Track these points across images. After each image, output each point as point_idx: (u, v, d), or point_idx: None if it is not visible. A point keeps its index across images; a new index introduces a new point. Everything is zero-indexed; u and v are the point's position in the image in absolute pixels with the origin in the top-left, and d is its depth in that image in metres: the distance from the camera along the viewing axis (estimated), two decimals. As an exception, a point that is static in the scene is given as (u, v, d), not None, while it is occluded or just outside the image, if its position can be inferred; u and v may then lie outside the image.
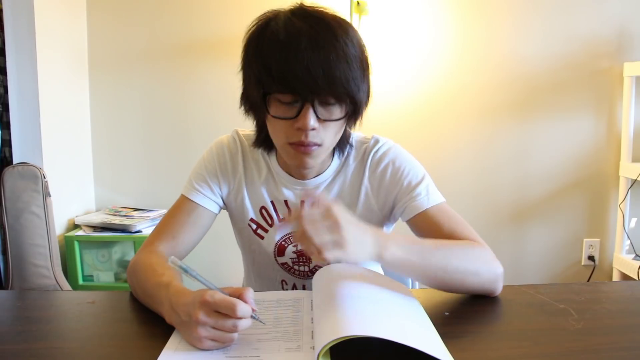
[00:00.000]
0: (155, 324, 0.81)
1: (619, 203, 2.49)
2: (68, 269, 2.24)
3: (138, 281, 0.90)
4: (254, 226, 1.06)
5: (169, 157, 2.51)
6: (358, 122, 0.96)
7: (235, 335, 0.71)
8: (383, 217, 1.05)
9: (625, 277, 2.46)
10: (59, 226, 2.23)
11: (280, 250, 1.05)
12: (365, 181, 1.03)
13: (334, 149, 1.00)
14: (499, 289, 0.91)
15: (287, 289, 1.09)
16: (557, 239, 2.59)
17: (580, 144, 2.54)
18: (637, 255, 2.47)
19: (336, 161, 1.04)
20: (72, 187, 2.39)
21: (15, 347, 0.74)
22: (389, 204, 1.03)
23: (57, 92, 2.23)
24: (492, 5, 2.45)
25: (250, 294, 0.71)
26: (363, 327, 0.67)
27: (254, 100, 0.92)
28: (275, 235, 1.05)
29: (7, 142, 2.10)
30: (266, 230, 1.05)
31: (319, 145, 0.90)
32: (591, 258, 2.60)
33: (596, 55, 2.47)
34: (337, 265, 0.94)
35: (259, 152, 1.04)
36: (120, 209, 2.44)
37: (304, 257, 1.06)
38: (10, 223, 2.00)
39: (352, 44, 0.86)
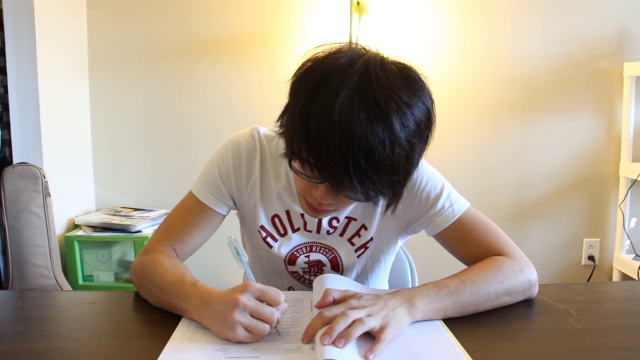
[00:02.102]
0: (155, 324, 0.81)
1: (619, 203, 2.49)
2: (68, 269, 2.24)
3: (150, 279, 0.88)
4: (264, 234, 1.01)
5: (169, 157, 2.50)
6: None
7: (268, 328, 0.72)
8: (399, 229, 1.01)
9: (625, 277, 2.46)
10: (59, 226, 2.22)
11: (291, 260, 1.02)
12: (380, 201, 0.95)
13: None
14: (534, 293, 0.91)
15: None
16: (557, 239, 2.59)
17: (580, 144, 2.54)
18: (637, 255, 2.47)
19: None
20: (72, 187, 2.38)
21: (15, 347, 0.74)
22: (405, 218, 0.98)
23: (57, 92, 2.23)
24: (492, 5, 2.45)
25: (285, 304, 0.74)
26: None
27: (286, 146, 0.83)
28: (287, 246, 1.01)
29: (7, 142, 2.10)
30: (276, 240, 1.01)
31: (333, 210, 0.88)
32: (591, 258, 2.60)
33: (596, 55, 2.47)
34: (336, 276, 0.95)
35: (281, 158, 0.95)
36: (120, 209, 2.44)
37: (316, 267, 1.03)
38: (10, 223, 2.00)
39: (407, 141, 0.75)
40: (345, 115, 0.71)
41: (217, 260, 2.37)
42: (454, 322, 0.81)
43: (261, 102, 2.40)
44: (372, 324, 0.72)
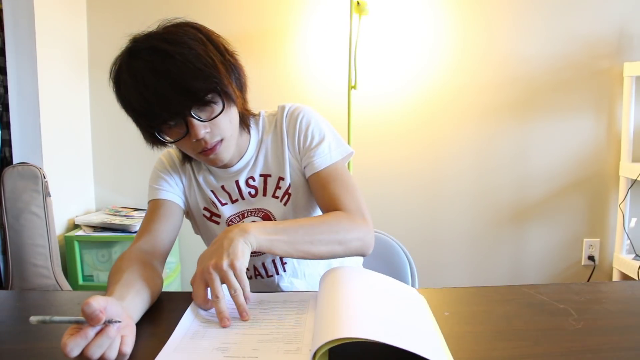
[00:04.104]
0: (155, 324, 0.81)
1: (619, 203, 2.49)
2: (68, 269, 2.24)
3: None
4: (208, 214, 1.13)
5: (169, 157, 2.50)
6: (245, 95, 1.04)
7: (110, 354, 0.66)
8: (300, 168, 1.10)
9: (625, 277, 2.46)
10: (59, 226, 2.23)
11: None
12: (286, 147, 1.09)
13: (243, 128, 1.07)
14: (368, 250, 0.98)
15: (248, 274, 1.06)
16: (557, 239, 2.59)
17: (580, 144, 2.54)
18: (637, 255, 2.47)
19: (254, 139, 1.11)
20: (72, 187, 2.39)
21: (15, 347, 0.74)
22: (297, 152, 1.09)
23: (57, 92, 2.23)
24: (492, 5, 2.45)
25: (88, 307, 0.67)
26: (361, 330, 0.67)
27: (147, 136, 1.01)
28: (224, 222, 1.12)
29: (7, 142, 2.10)
30: (218, 216, 1.13)
31: (222, 140, 0.97)
32: (591, 258, 2.60)
33: (596, 55, 2.47)
34: (342, 268, 0.95)
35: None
36: (120, 209, 2.44)
37: None
38: (10, 223, 2.00)
39: (188, 49, 0.92)
40: (132, 74, 0.92)
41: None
42: (454, 322, 0.81)
43: (261, 102, 2.37)
44: (224, 267, 0.79)
